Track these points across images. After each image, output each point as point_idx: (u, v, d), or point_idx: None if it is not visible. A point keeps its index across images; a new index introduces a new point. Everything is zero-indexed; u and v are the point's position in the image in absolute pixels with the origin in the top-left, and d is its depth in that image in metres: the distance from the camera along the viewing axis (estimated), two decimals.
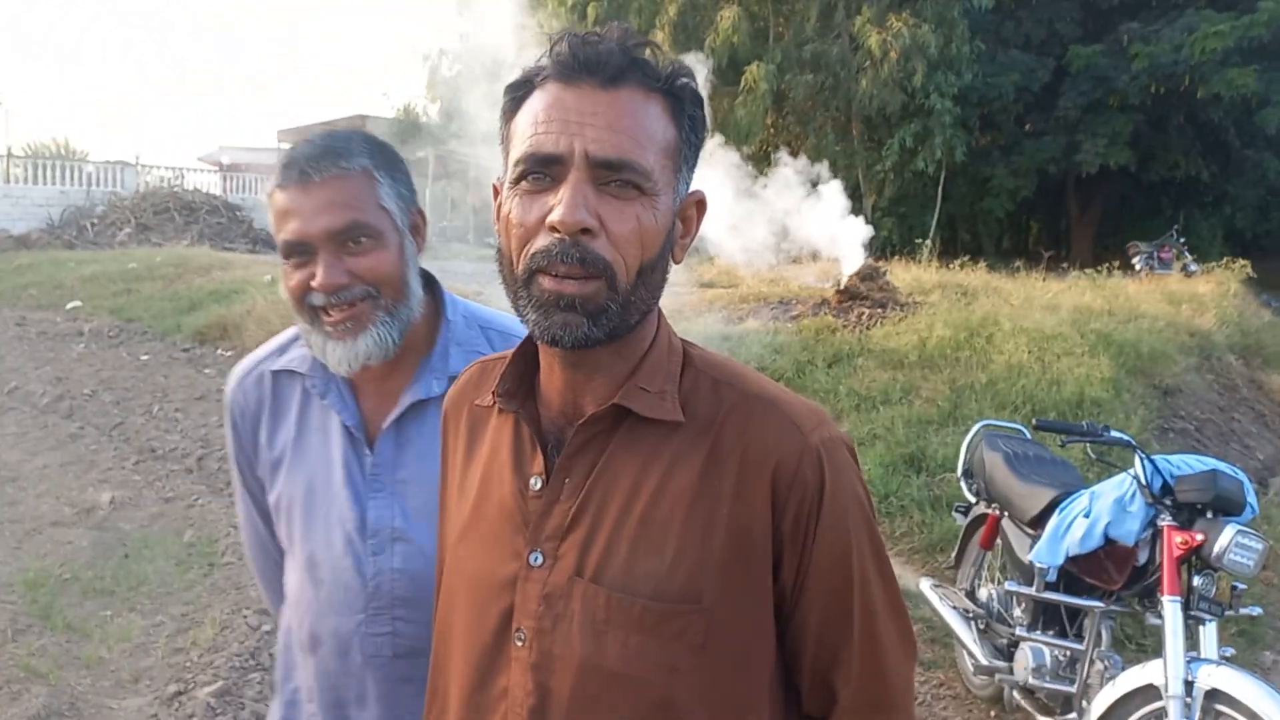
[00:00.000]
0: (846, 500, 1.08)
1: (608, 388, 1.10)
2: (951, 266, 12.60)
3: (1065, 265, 14.10)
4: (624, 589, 1.04)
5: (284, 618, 1.63)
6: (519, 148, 1.05)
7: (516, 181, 1.05)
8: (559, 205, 1.00)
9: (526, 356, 1.17)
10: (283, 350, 1.62)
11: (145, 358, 10.84)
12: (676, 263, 1.12)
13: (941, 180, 21.73)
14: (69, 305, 13.71)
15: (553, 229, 1.01)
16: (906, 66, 19.59)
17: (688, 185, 1.11)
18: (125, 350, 11.26)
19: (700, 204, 1.14)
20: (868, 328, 8.82)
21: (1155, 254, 16.08)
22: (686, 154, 1.09)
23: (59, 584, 4.87)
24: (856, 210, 13.36)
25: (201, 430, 7.84)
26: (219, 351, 11.05)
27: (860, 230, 11.59)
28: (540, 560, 1.09)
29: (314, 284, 1.43)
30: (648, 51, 1.06)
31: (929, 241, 17.49)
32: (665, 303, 1.15)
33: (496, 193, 1.12)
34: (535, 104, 1.05)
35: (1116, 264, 13.68)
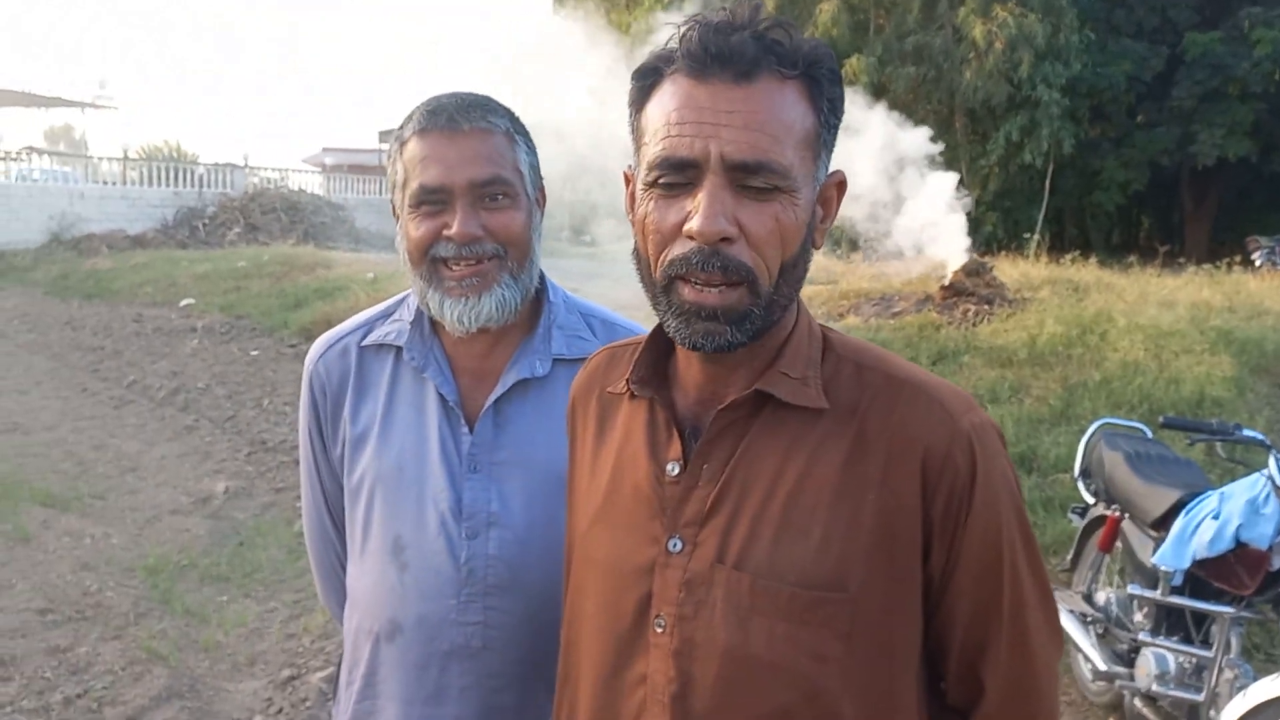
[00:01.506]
0: (998, 487, 1.05)
1: (748, 376, 1.08)
2: (1061, 262, 12.20)
3: (1182, 260, 13.52)
4: (769, 575, 1.02)
5: (352, 610, 1.55)
6: (652, 149, 1.02)
7: (652, 184, 1.02)
8: (697, 214, 0.97)
9: (660, 343, 1.15)
10: (369, 326, 1.57)
11: (254, 353, 11.18)
12: (816, 248, 1.09)
13: (1049, 173, 21.10)
14: (182, 302, 14.24)
15: (691, 237, 0.98)
16: (1012, 57, 19.10)
17: (827, 168, 1.07)
18: (236, 345, 11.63)
19: (840, 185, 1.10)
20: (974, 324, 8.59)
21: (1277, 248, 15.34)
22: (826, 138, 1.05)
23: (178, 570, 5.03)
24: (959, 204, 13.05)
25: None
26: None
27: (961, 225, 11.31)
28: (680, 546, 1.07)
29: (449, 233, 1.39)
30: (781, 33, 1.01)
31: (1036, 236, 16.98)
32: None
33: (628, 180, 1.10)
34: (666, 100, 1.01)
35: (1235, 259, 13.09)
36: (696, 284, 1.00)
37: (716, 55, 0.98)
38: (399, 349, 1.53)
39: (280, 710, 3.69)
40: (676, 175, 1.00)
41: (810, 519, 1.02)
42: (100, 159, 25.88)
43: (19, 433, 7.62)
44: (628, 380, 1.15)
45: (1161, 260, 12.51)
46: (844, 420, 1.05)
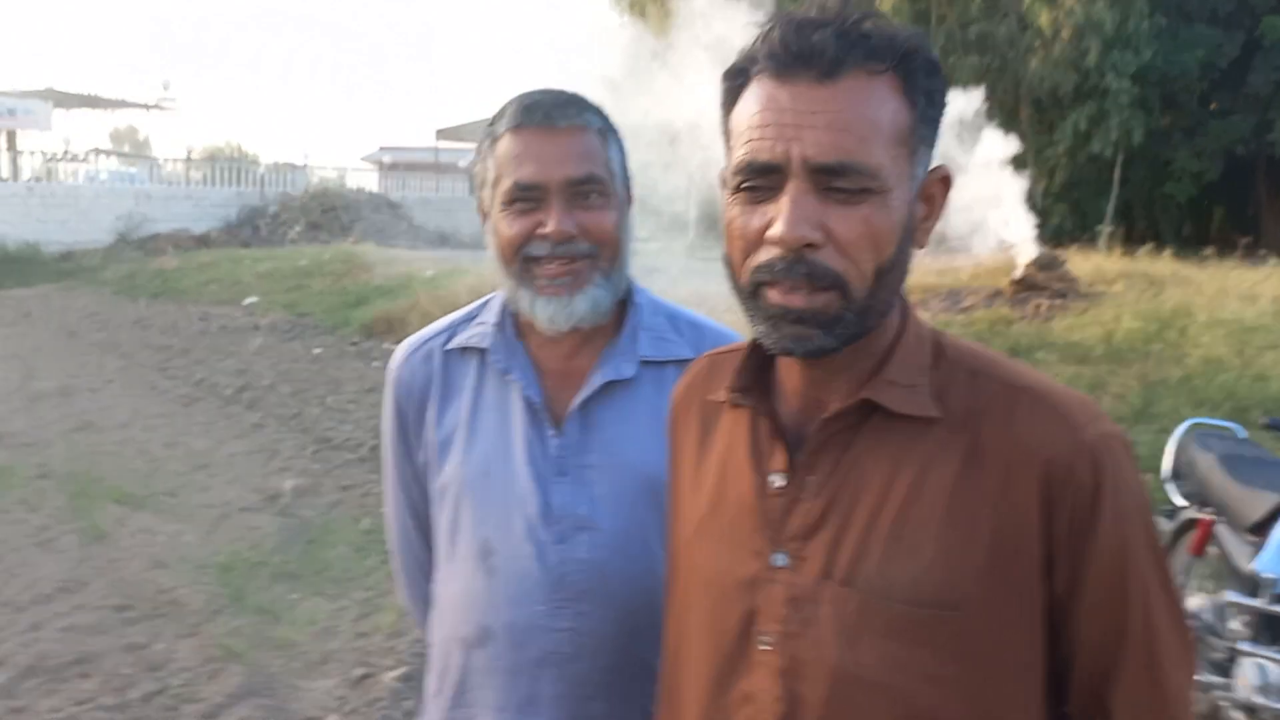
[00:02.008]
0: (1125, 502, 0.98)
1: (852, 383, 1.03)
2: (1135, 255, 11.88)
3: (1263, 252, 13.11)
4: (879, 593, 0.98)
5: (440, 616, 1.53)
6: (736, 153, 0.99)
7: (737, 188, 0.99)
8: (779, 219, 0.94)
9: (761, 350, 1.10)
10: (452, 330, 1.55)
11: (318, 351, 11.30)
12: (920, 248, 1.04)
13: (1118, 164, 20.60)
14: (246, 301, 14.46)
15: (774, 243, 0.96)
16: (1080, 45, 18.69)
17: (927, 165, 1.02)
18: (299, 344, 11.76)
19: (944, 180, 1.04)
20: (1047, 319, 8.40)
21: None
22: (923, 133, 0.99)
23: (249, 567, 5.05)
24: (1025, 196, 12.78)
25: (373, 421, 8.08)
26: (385, 345, 11.42)
27: (1028, 217, 11.06)
28: (784, 561, 1.03)
29: (544, 231, 1.37)
30: (870, 26, 0.96)
31: (1108, 228, 16.59)
32: None
33: (723, 184, 1.06)
34: (750, 102, 0.98)
35: None
36: (783, 289, 0.96)
37: (798, 54, 0.94)
38: (483, 352, 1.50)
39: (354, 710, 3.67)
40: (760, 179, 0.96)
41: (922, 534, 0.98)
42: (165, 160, 26.44)
43: (92, 430, 7.75)
44: (728, 389, 1.11)
45: (1241, 252, 12.09)
46: (957, 430, 1.00)
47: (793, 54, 0.94)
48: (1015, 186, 10.97)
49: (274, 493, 6.27)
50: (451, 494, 1.48)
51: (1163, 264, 11.28)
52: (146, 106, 32.74)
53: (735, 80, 1.01)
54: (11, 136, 26.28)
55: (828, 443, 1.02)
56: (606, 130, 1.43)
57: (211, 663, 4.02)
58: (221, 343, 11.81)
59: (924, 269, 11.86)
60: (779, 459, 1.05)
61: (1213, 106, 22.19)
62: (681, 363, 1.45)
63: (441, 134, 33.36)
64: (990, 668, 0.97)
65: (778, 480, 1.05)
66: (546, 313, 1.39)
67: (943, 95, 1.02)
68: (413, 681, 3.77)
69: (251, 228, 22.48)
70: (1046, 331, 8.15)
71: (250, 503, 6.10)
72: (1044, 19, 18.79)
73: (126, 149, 38.30)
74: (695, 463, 1.17)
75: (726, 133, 1.03)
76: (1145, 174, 22.53)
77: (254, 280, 15.65)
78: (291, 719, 3.65)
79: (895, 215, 0.96)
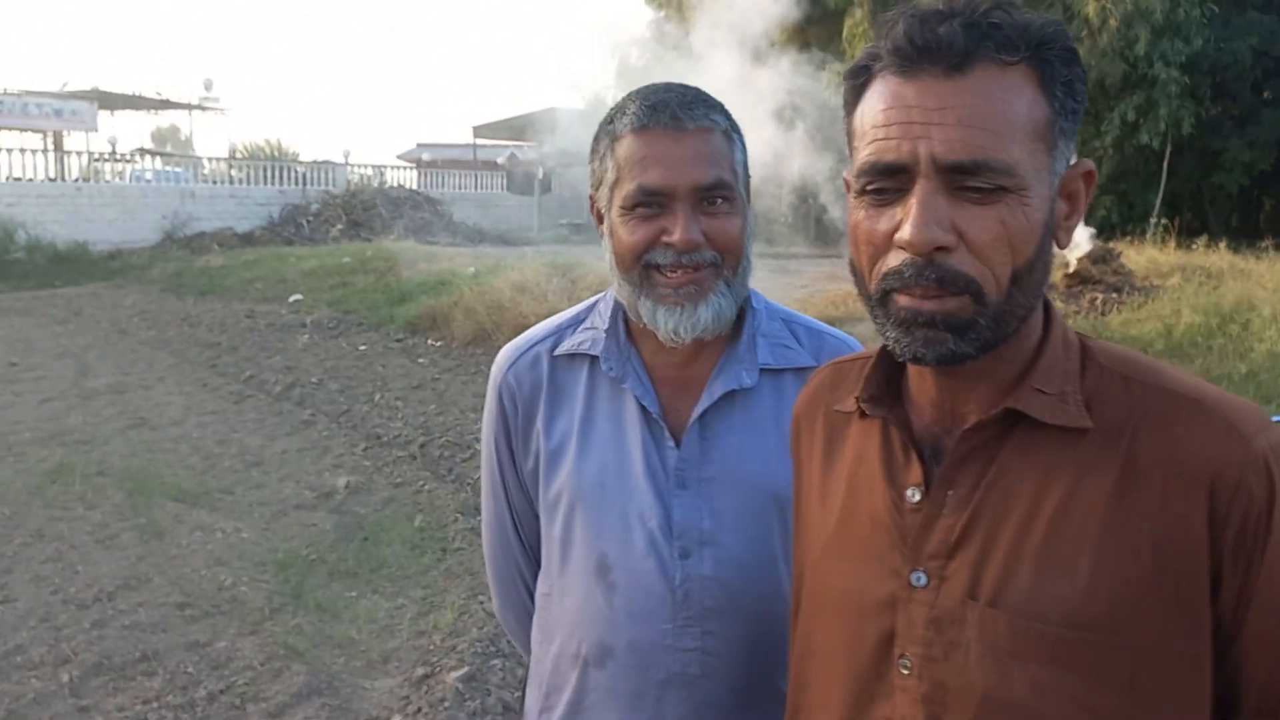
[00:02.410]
0: None
1: (993, 392, 0.97)
2: (1193, 247, 11.65)
3: None
4: (1030, 615, 0.91)
5: (550, 630, 1.47)
6: (860, 154, 0.94)
7: (862, 190, 0.94)
8: (907, 222, 0.90)
9: (890, 358, 1.04)
10: (558, 334, 1.49)
11: (363, 348, 11.35)
12: (1061, 247, 0.99)
13: (1166, 155, 20.22)
14: (291, 298, 14.56)
15: (903, 247, 0.91)
16: (1128, 34, 18.33)
17: (1069, 159, 0.96)
18: (345, 340, 11.83)
19: (1088, 175, 0.98)
20: (1103, 314, 8.24)
21: None
22: (1063, 125, 0.93)
23: (307, 565, 5.06)
24: None
25: (421, 418, 8.10)
26: (429, 341, 11.46)
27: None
28: (924, 580, 0.97)
29: (670, 239, 1.31)
30: (1001, 15, 0.90)
31: (1158, 220, 16.28)
32: None
33: (847, 186, 1.00)
34: (874, 101, 0.94)
35: None
36: (913, 295, 0.91)
37: (924, 48, 0.90)
38: (593, 358, 1.45)
39: (419, 710, 3.65)
40: (886, 181, 0.91)
41: (1076, 552, 0.91)
42: (208, 159, 26.71)
43: (147, 427, 7.82)
44: (858, 399, 1.06)
45: None
46: (1111, 441, 0.93)
47: (918, 48, 0.90)
48: None
49: (328, 490, 6.29)
50: (564, 505, 1.43)
51: (1218, 256, 11.06)
52: (190, 107, 33.15)
53: (857, 79, 0.97)
54: (58, 137, 26.71)
55: (969, 455, 0.97)
56: (731, 130, 1.37)
57: (274, 661, 4.02)
58: (269, 340, 11.90)
59: None
60: (915, 472, 1.00)
61: (1265, 95, 21.70)
62: (800, 371, 1.40)
63: (479, 130, 33.46)
64: (1154, 697, 0.90)
65: (915, 495, 0.99)
66: (670, 323, 1.33)
67: (1083, 84, 0.95)
68: (475, 683, 3.75)
69: (294, 225, 22.65)
70: (1103, 326, 8.00)
71: (305, 500, 6.12)
72: (1091, 8, 18.45)
73: (168, 148, 38.74)
74: (821, 476, 1.12)
75: (849, 134, 0.99)
76: (1194, 165, 22.07)
77: (298, 278, 15.77)
78: (356, 719, 3.64)
79: (1034, 214, 0.91)
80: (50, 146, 25.35)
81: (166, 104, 33.04)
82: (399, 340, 11.63)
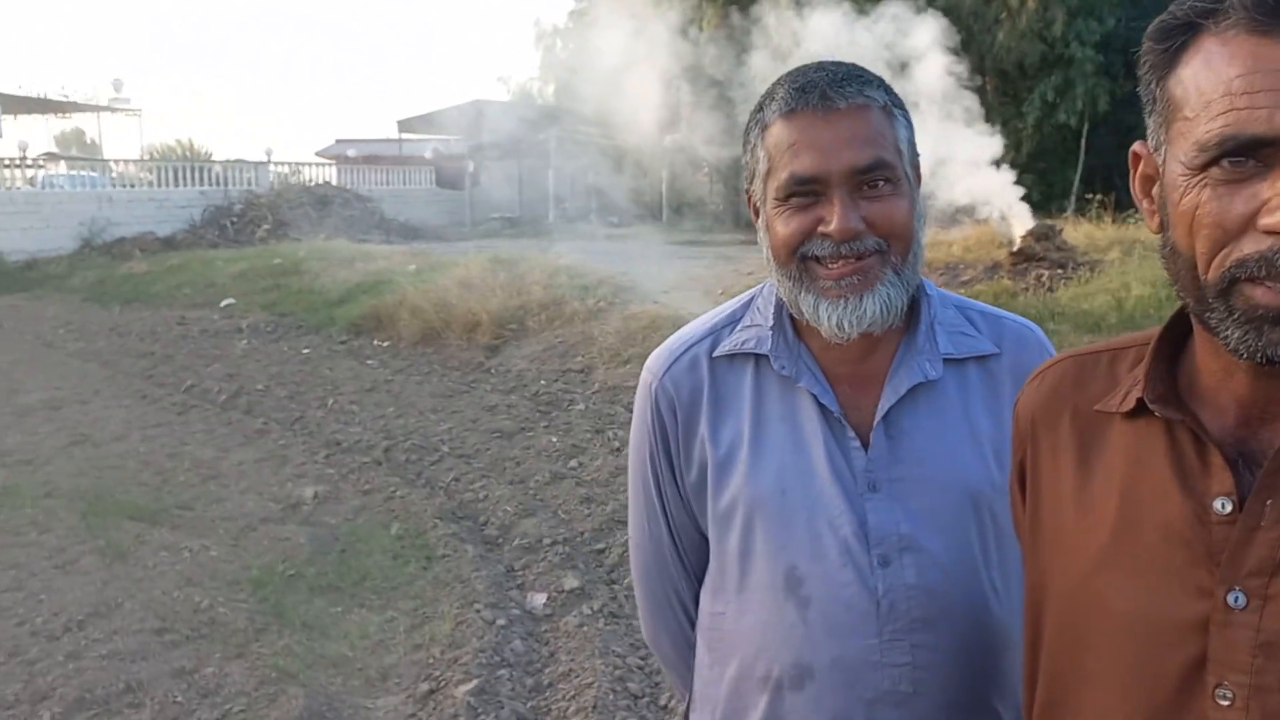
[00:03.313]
0: None
1: None
2: (1131, 222, 11.93)
3: None
4: None
5: (725, 653, 1.37)
6: (1202, 125, 0.83)
7: (1203, 167, 0.83)
8: None
9: (1167, 350, 0.96)
10: (714, 334, 1.39)
11: (306, 351, 11.06)
12: None
13: (1084, 133, 20.74)
14: (223, 303, 14.13)
15: (1272, 232, 0.80)
16: (1045, 15, 18.73)
17: None
18: (285, 344, 11.51)
19: None
20: (1050, 290, 8.38)
21: None
22: None
23: (284, 581, 4.89)
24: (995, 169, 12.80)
25: (380, 421, 7.91)
26: (375, 342, 11.20)
27: (1010, 188, 11.06)
28: (1243, 601, 0.88)
29: (827, 229, 1.22)
30: None
31: (1077, 197, 16.68)
32: None
33: (1136, 160, 0.91)
34: (1218, 63, 0.83)
35: None
36: (1273, 288, 0.81)
37: None
38: (756, 357, 1.35)
39: None
40: (1244, 155, 0.80)
41: None
42: (119, 161, 25.79)
43: (89, 444, 7.51)
44: (1144, 398, 0.95)
45: None
46: None
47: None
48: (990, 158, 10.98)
49: (294, 501, 6.09)
50: (740, 517, 1.33)
51: (1149, 230, 11.33)
52: (99, 109, 31.99)
53: (1172, 39, 0.86)
54: None
55: None
56: (892, 106, 1.27)
57: (267, 685, 3.86)
58: (205, 347, 11.53)
59: None
60: (1224, 480, 0.90)
61: None
62: (983, 359, 1.32)
63: (404, 124, 32.87)
64: None
65: (1224, 505, 0.90)
66: (833, 318, 1.24)
67: None
68: (486, 695, 3.65)
69: (218, 227, 22.00)
70: (1052, 302, 8.14)
71: (271, 513, 5.92)
72: None
73: (74, 152, 37.37)
74: (1076, 483, 1.02)
75: (1161, 102, 0.88)
76: (1110, 142, 22.68)
77: (228, 281, 15.31)
78: None
79: None
80: None
81: (74, 106, 31.85)
82: (343, 342, 11.36)
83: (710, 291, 11.54)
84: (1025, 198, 20.11)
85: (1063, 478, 1.03)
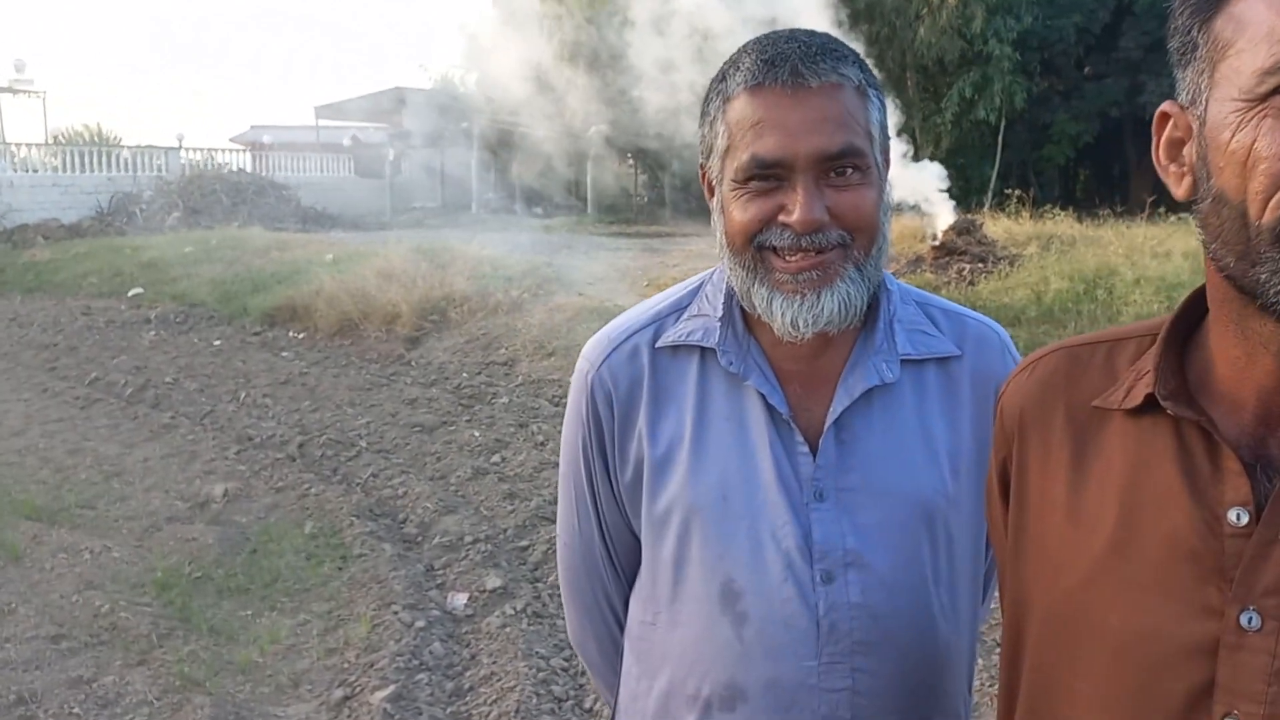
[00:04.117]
0: None
1: None
2: (1048, 217, 12.15)
3: (1163, 210, 13.52)
4: None
5: (655, 666, 1.28)
6: (1267, 50, 0.75)
7: (1265, 97, 0.76)
8: None
9: (1178, 341, 0.88)
10: (657, 322, 1.28)
11: (218, 343, 10.70)
12: None
13: (1001, 129, 21.16)
14: (131, 292, 13.63)
15: None
16: (965, 12, 19.02)
17: None
18: (196, 336, 11.13)
19: None
20: (971, 284, 8.48)
21: None
22: None
23: (191, 583, 4.67)
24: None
25: (294, 416, 7.66)
26: (290, 334, 10.88)
27: (937, 183, 11.18)
28: (1258, 623, 0.79)
29: (789, 219, 1.11)
30: None
31: (994, 192, 17.00)
32: None
33: (1162, 123, 0.83)
34: None
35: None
36: None
37: None
38: (702, 350, 1.24)
39: None
40: None
41: None
42: (20, 145, 24.75)
43: None
44: (1155, 393, 0.86)
45: (1148, 211, 12.43)
46: None
47: None
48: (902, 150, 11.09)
49: (202, 499, 5.84)
50: (676, 522, 1.23)
51: (1065, 225, 11.57)
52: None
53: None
54: None
55: None
56: (866, 85, 1.15)
57: (170, 694, 3.66)
58: (111, 338, 11.09)
59: None
60: (1240, 488, 0.81)
61: (1087, 71, 22.95)
62: (943, 361, 1.23)
63: (322, 110, 32.12)
64: None
65: (1240, 516, 0.81)
66: (787, 315, 1.14)
67: None
68: (403, 701, 3.50)
69: (126, 215, 21.24)
70: (974, 296, 8.23)
71: (177, 511, 5.67)
72: None
73: None
74: (1069, 486, 0.93)
75: (1213, 44, 0.80)
76: (1026, 138, 23.22)
77: (137, 270, 14.78)
78: None
79: None
80: None
81: None
82: (257, 334, 11.01)
83: (636, 284, 11.46)
84: (945, 192, 20.50)
85: (1053, 480, 0.94)
